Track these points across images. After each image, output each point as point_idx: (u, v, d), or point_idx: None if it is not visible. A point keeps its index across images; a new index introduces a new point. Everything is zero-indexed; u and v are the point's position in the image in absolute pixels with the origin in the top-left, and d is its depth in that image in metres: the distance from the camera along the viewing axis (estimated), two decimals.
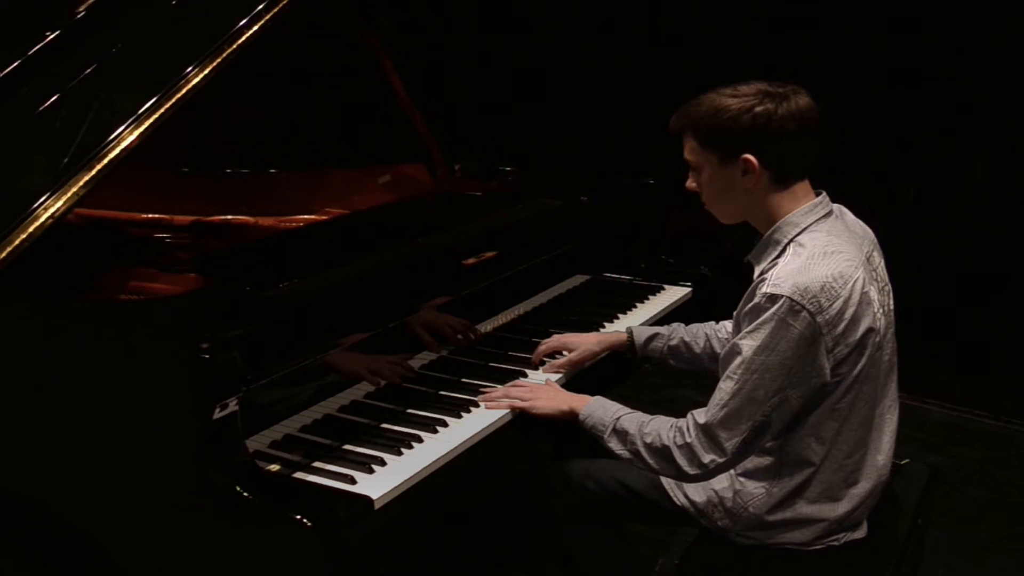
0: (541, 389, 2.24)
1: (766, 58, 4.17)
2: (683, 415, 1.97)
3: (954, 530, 3.29)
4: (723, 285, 2.61)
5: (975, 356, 4.20)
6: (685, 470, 1.93)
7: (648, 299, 2.91)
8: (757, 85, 1.92)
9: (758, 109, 1.88)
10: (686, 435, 1.93)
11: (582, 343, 2.44)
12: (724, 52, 4.29)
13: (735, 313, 2.01)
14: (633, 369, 2.76)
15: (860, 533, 2.06)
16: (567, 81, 4.81)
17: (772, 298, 1.84)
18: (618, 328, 2.65)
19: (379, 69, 2.96)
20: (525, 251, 2.67)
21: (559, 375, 2.38)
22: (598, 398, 2.13)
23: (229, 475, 1.73)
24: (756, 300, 1.87)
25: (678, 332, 2.45)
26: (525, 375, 2.37)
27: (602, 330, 2.66)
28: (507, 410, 2.16)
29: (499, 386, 2.30)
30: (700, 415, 1.93)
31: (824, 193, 2.00)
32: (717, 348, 2.38)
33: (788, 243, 1.94)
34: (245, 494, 1.71)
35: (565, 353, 2.44)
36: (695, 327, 2.45)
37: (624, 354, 2.50)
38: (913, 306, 3.93)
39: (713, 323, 2.44)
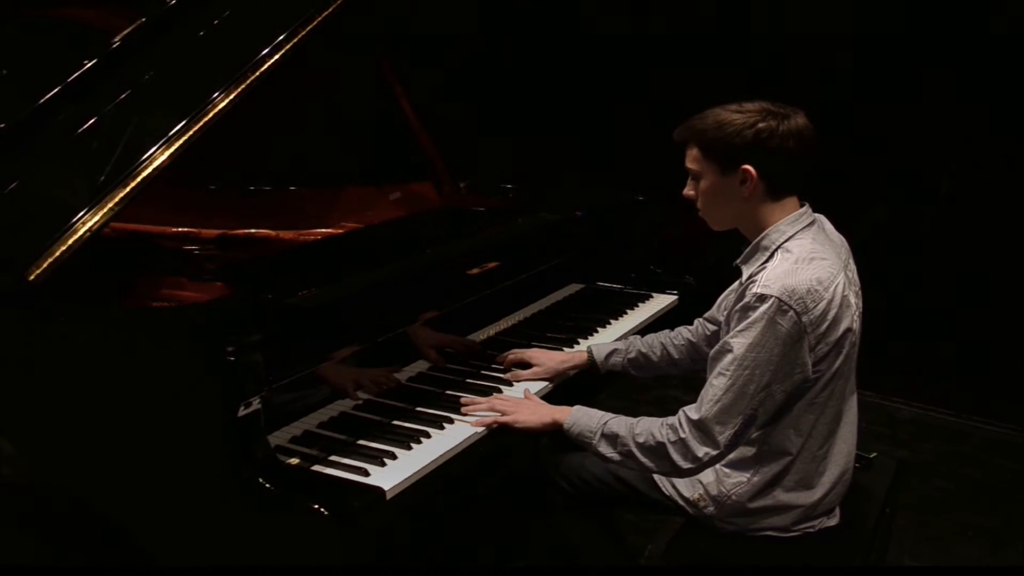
0: (523, 403, 2.19)
1: (748, 71, 4.17)
2: (671, 413, 1.95)
3: (920, 519, 3.29)
4: (707, 292, 2.60)
5: (939, 358, 4.20)
6: (680, 465, 1.91)
7: (638, 306, 2.90)
8: (760, 103, 1.93)
9: (761, 125, 1.88)
10: (680, 431, 1.91)
11: (547, 360, 2.39)
12: (706, 71, 4.29)
13: (724, 315, 2.00)
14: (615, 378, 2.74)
15: (833, 521, 2.06)
16: (564, 105, 4.82)
17: (762, 298, 1.84)
18: (610, 334, 2.67)
19: (391, 95, 2.96)
20: (524, 262, 2.67)
21: (544, 385, 2.34)
22: (580, 407, 2.09)
23: (252, 468, 1.73)
24: (746, 300, 1.87)
25: (635, 345, 2.43)
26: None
27: (595, 335, 2.66)
28: (492, 424, 2.09)
29: (500, 386, 2.30)
30: (692, 411, 1.91)
31: (807, 204, 2.01)
32: (675, 355, 2.38)
33: (776, 249, 1.94)
34: (267, 485, 1.71)
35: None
36: (650, 337, 2.44)
37: (588, 371, 2.45)
38: (883, 311, 3.94)
39: (668, 331, 2.43)
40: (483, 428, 2.08)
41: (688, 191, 2.04)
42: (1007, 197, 3.95)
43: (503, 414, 2.12)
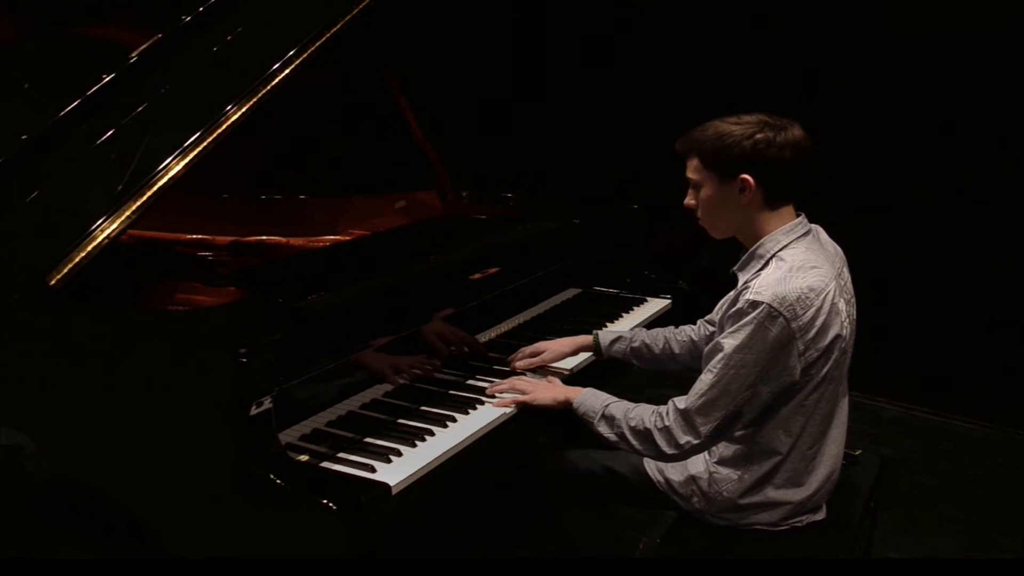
0: (540, 384, 2.24)
1: (738, 85, 4.17)
2: None
3: (902, 514, 3.29)
4: (699, 297, 2.61)
5: (920, 359, 4.20)
6: (663, 450, 1.95)
7: (633, 309, 2.91)
8: (758, 116, 1.94)
9: (759, 136, 1.89)
10: (665, 419, 1.95)
11: (553, 346, 2.44)
12: (701, 85, 4.29)
13: (719, 317, 2.01)
14: (620, 372, 2.74)
15: (820, 515, 2.06)
16: (563, 117, 4.82)
17: (754, 304, 1.85)
18: None
19: (396, 107, 2.96)
20: (524, 267, 2.67)
21: (559, 376, 2.37)
22: (590, 389, 2.14)
23: (264, 464, 1.73)
24: (740, 305, 1.89)
25: (639, 335, 2.45)
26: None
27: None
28: (511, 407, 2.16)
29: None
30: (680, 401, 1.94)
31: (803, 215, 2.01)
32: (676, 349, 2.39)
33: (771, 257, 1.95)
34: (278, 481, 1.71)
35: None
36: (655, 331, 2.45)
37: (592, 354, 2.49)
38: (868, 314, 3.95)
39: (672, 327, 2.44)
40: (483, 426, 2.08)
41: (689, 200, 2.05)
42: (993, 200, 3.95)
43: (523, 393, 2.18)
